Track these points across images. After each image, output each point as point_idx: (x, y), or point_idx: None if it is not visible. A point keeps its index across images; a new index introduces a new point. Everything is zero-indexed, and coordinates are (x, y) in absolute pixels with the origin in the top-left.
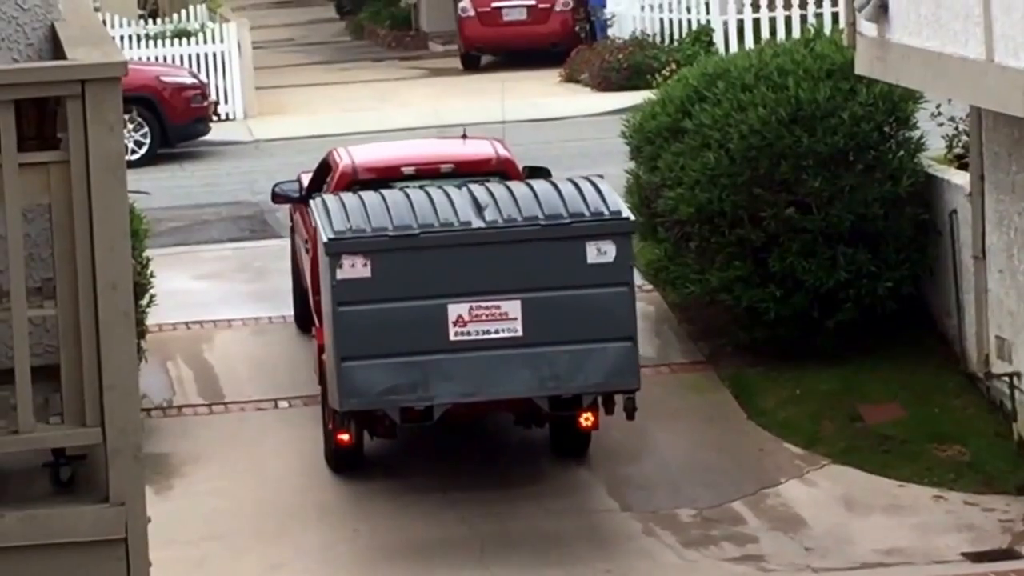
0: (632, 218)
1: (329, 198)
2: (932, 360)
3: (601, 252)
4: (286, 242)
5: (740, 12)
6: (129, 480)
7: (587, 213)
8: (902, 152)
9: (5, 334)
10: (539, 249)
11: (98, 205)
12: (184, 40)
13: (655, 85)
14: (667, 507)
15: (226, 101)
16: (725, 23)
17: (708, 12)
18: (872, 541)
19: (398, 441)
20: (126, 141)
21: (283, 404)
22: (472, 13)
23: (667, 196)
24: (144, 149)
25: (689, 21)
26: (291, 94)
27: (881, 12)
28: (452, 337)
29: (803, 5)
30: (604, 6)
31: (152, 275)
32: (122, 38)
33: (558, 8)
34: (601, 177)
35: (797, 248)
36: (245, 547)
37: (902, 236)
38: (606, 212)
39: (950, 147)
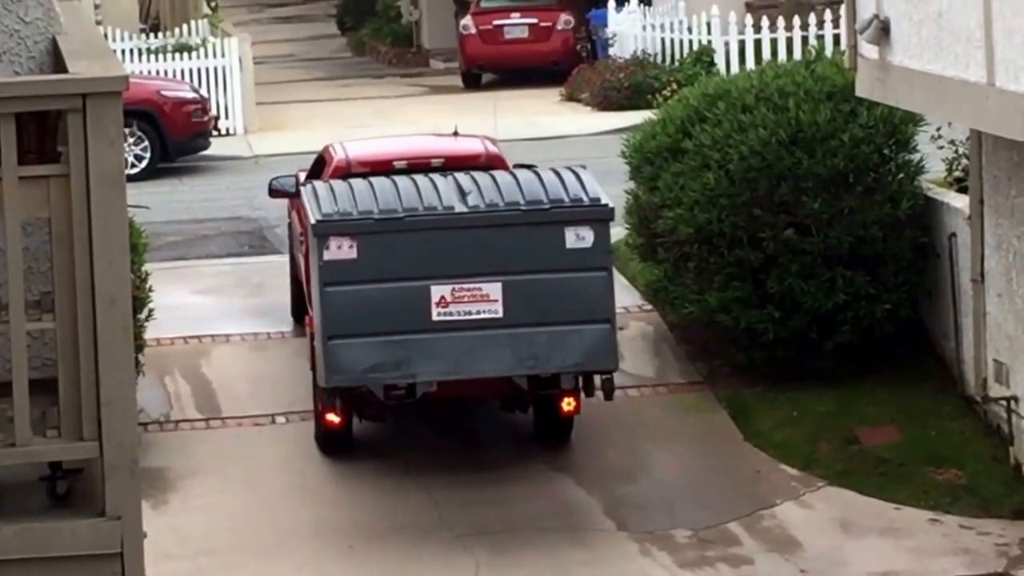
0: (611, 205)
1: (319, 184)
2: (930, 383)
3: (580, 237)
4: (285, 258)
5: (741, 33)
6: (125, 494)
7: (567, 199)
8: (902, 175)
9: (3, 347)
10: (520, 233)
11: (98, 219)
12: (185, 55)
13: (656, 105)
14: (663, 527)
15: (226, 116)
16: (726, 44)
17: (709, 32)
18: (867, 564)
19: (395, 452)
20: (126, 155)
21: (280, 420)
22: (473, 31)
23: (666, 216)
24: (144, 163)
25: (690, 41)
26: (291, 110)
27: (882, 34)
28: (435, 317)
29: (804, 27)
30: (606, 25)
31: (151, 289)
32: (123, 52)
33: (559, 27)
34: (584, 167)
35: (796, 270)
36: (241, 563)
37: (901, 259)
38: (585, 199)
39: (950, 170)
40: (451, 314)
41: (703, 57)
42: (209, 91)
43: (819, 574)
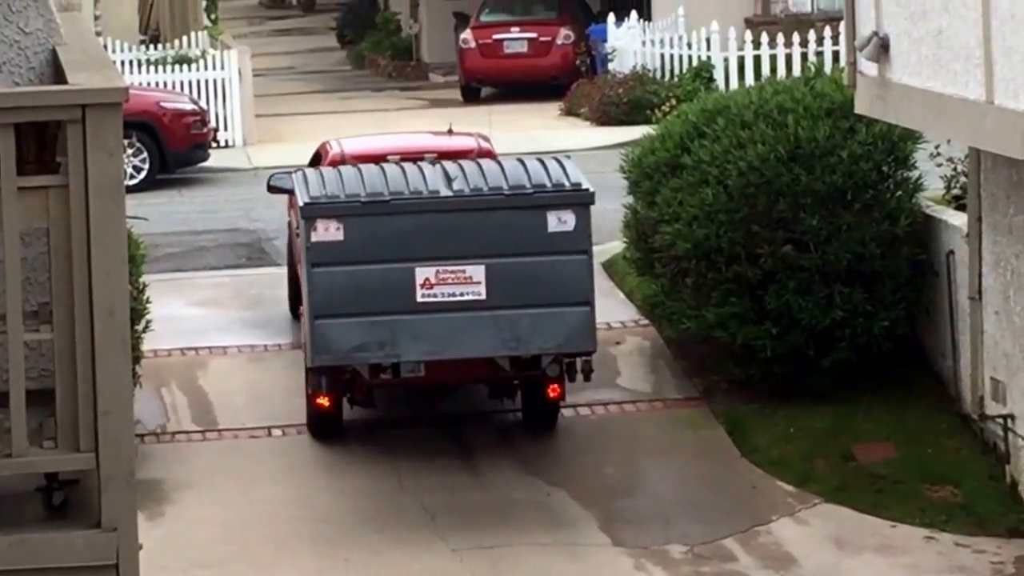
0: (591, 189)
1: (309, 171)
2: (926, 400)
3: (561, 221)
4: (282, 270)
5: (741, 49)
6: (121, 506)
7: (549, 184)
8: (900, 192)
9: (1, 357)
10: (503, 217)
11: (96, 230)
12: (185, 66)
13: (654, 120)
14: (658, 543)
15: (226, 128)
16: (726, 60)
17: (709, 48)
18: None
19: (391, 465)
20: (125, 166)
21: (277, 432)
22: (473, 45)
23: (664, 231)
24: (143, 174)
25: (690, 57)
26: (291, 122)
27: (882, 51)
28: (419, 299)
29: (804, 43)
30: (605, 40)
31: (148, 301)
32: (123, 63)
33: (559, 42)
34: (568, 156)
35: (794, 286)
36: (236, 574)
37: (899, 276)
38: (567, 184)
39: (948, 188)
40: (435, 296)
41: (702, 73)
42: (208, 103)
43: None
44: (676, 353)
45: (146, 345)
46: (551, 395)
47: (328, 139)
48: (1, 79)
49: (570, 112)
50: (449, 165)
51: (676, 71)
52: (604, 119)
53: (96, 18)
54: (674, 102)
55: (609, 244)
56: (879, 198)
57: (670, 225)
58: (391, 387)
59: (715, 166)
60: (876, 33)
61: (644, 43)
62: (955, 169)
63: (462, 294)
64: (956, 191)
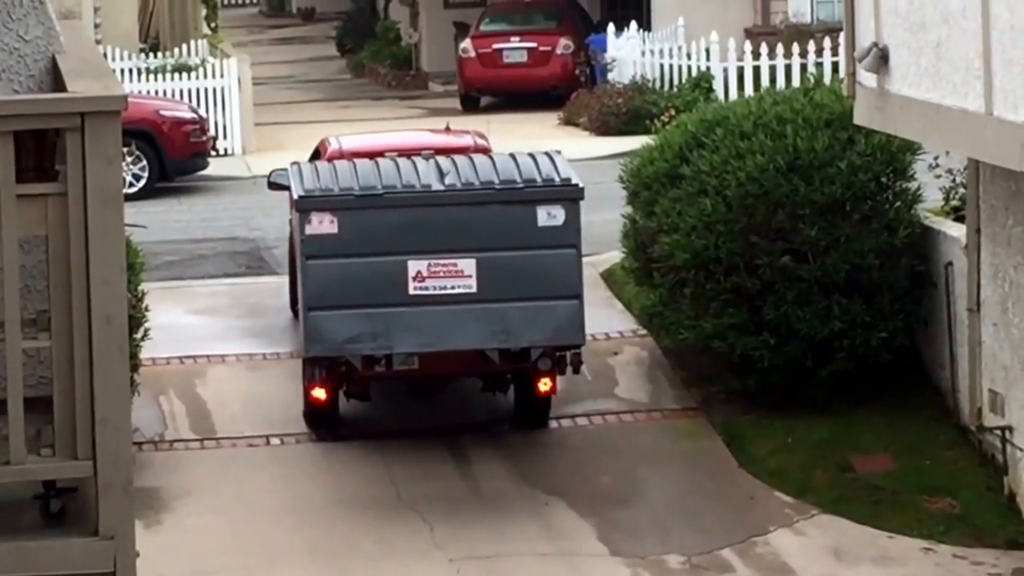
0: (581, 185)
1: (305, 164)
2: (924, 412)
3: (551, 216)
4: (281, 279)
5: (740, 60)
6: (119, 514)
7: (539, 179)
8: (899, 203)
9: None
10: (494, 211)
11: (95, 238)
12: (184, 75)
13: (653, 130)
14: (656, 553)
15: (225, 136)
16: (725, 70)
17: (708, 59)
18: None
19: (389, 475)
20: (124, 174)
21: (275, 441)
22: (473, 54)
23: (663, 242)
24: (142, 182)
25: (689, 67)
26: (290, 131)
27: (881, 63)
28: (411, 291)
29: (803, 54)
30: (605, 50)
31: (147, 309)
32: (123, 71)
33: (559, 51)
34: (558, 152)
35: (792, 297)
36: None
37: (897, 287)
38: (557, 179)
39: (947, 199)
40: (427, 288)
41: (702, 83)
42: (208, 111)
43: None
44: (674, 363)
45: (144, 353)
46: (542, 390)
47: (327, 136)
48: (0, 87)
49: (569, 122)
50: (443, 161)
51: (675, 81)
52: (603, 129)
53: (96, 26)
54: (673, 112)
55: (608, 254)
56: (878, 209)
57: (669, 235)
58: (385, 379)
59: (714, 176)
60: (876, 44)
61: (644, 53)
62: (954, 180)
63: (453, 287)
64: (955, 202)
